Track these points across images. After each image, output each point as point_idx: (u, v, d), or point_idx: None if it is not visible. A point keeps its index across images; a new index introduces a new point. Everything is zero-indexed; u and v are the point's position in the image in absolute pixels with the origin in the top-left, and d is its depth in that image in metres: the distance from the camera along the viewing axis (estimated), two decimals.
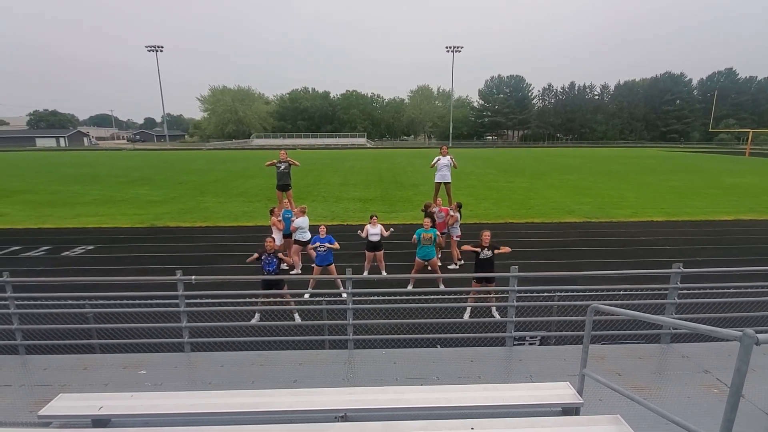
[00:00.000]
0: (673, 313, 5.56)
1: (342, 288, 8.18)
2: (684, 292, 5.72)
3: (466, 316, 7.08)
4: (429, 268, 8.66)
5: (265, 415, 3.37)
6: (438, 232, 8.78)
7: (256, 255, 7.11)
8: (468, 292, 7.19)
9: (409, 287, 8.17)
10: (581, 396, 3.59)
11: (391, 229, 9.44)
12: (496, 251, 7.20)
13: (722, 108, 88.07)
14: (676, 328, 5.41)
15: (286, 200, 10.95)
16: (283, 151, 11.20)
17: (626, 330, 5.97)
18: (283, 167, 10.80)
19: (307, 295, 7.64)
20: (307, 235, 9.31)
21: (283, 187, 10.93)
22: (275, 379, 4.87)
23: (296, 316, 7.11)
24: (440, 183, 11.39)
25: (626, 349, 5.54)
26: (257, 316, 6.96)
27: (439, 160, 11.27)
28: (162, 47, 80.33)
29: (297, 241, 9.45)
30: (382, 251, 9.22)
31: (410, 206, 17.95)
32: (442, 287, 7.86)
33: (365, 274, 9.16)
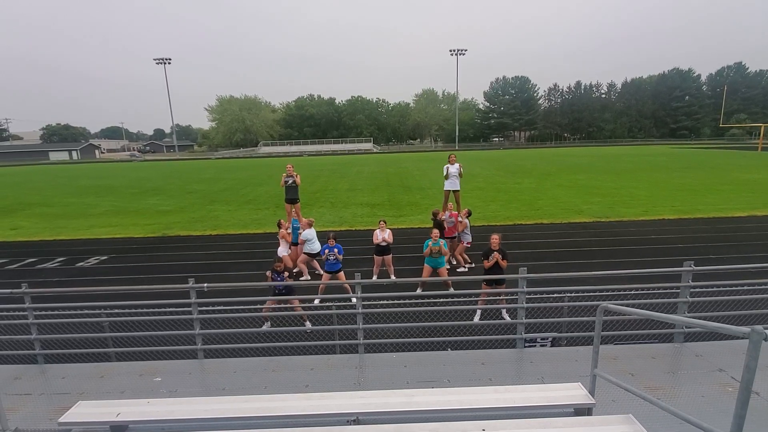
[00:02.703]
0: (685, 312, 5.50)
1: (351, 293, 8.26)
2: (696, 290, 5.65)
3: (476, 319, 7.07)
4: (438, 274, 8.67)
5: (278, 419, 3.41)
6: (444, 242, 8.75)
7: (269, 273, 7.09)
8: (477, 295, 7.18)
9: (418, 291, 8.18)
10: (593, 396, 3.58)
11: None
12: (501, 260, 7.10)
13: (732, 103, 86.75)
14: (687, 327, 5.36)
15: (294, 212, 11.14)
16: (289, 165, 11.42)
17: (638, 330, 5.92)
18: (290, 181, 11.04)
19: (317, 301, 7.68)
20: (316, 247, 9.44)
21: (292, 200, 11.24)
22: (287, 384, 4.92)
23: (307, 322, 7.16)
24: (449, 191, 11.39)
25: (639, 349, 5.50)
26: (268, 323, 7.03)
27: (448, 168, 11.32)
28: (170, 59, 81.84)
29: (306, 253, 9.60)
30: (390, 255, 9.25)
31: (418, 210, 17.97)
32: (451, 290, 7.87)
33: (374, 278, 9.20)
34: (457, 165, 11.38)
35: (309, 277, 9.73)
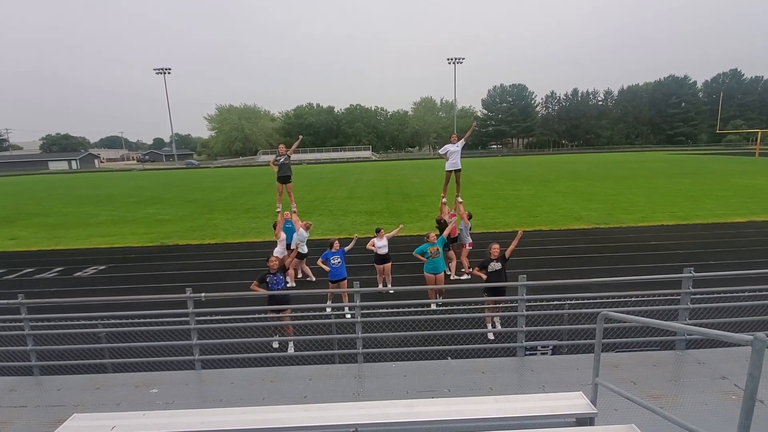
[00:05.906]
0: (686, 319, 5.47)
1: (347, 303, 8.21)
2: (697, 297, 5.63)
3: (491, 335, 6.88)
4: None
5: (276, 431, 3.36)
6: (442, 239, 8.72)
7: (255, 283, 6.80)
8: (477, 303, 7.08)
9: (440, 298, 7.94)
10: (595, 406, 3.53)
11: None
12: (506, 253, 7.08)
13: (729, 109, 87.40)
14: (688, 334, 5.32)
15: (287, 192, 10.72)
16: (281, 145, 10.83)
17: (640, 337, 5.88)
18: (283, 159, 10.52)
19: (328, 309, 7.49)
20: (304, 249, 9.41)
21: (284, 179, 10.61)
22: (286, 395, 4.86)
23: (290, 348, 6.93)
24: (451, 171, 11.00)
25: (640, 356, 5.45)
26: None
27: (447, 150, 10.96)
28: (169, 69, 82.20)
29: (297, 254, 9.50)
30: (390, 264, 9.21)
31: (417, 218, 17.96)
32: (440, 299, 7.78)
33: (380, 287, 9.13)
34: (459, 143, 10.80)
35: (294, 284, 9.64)
